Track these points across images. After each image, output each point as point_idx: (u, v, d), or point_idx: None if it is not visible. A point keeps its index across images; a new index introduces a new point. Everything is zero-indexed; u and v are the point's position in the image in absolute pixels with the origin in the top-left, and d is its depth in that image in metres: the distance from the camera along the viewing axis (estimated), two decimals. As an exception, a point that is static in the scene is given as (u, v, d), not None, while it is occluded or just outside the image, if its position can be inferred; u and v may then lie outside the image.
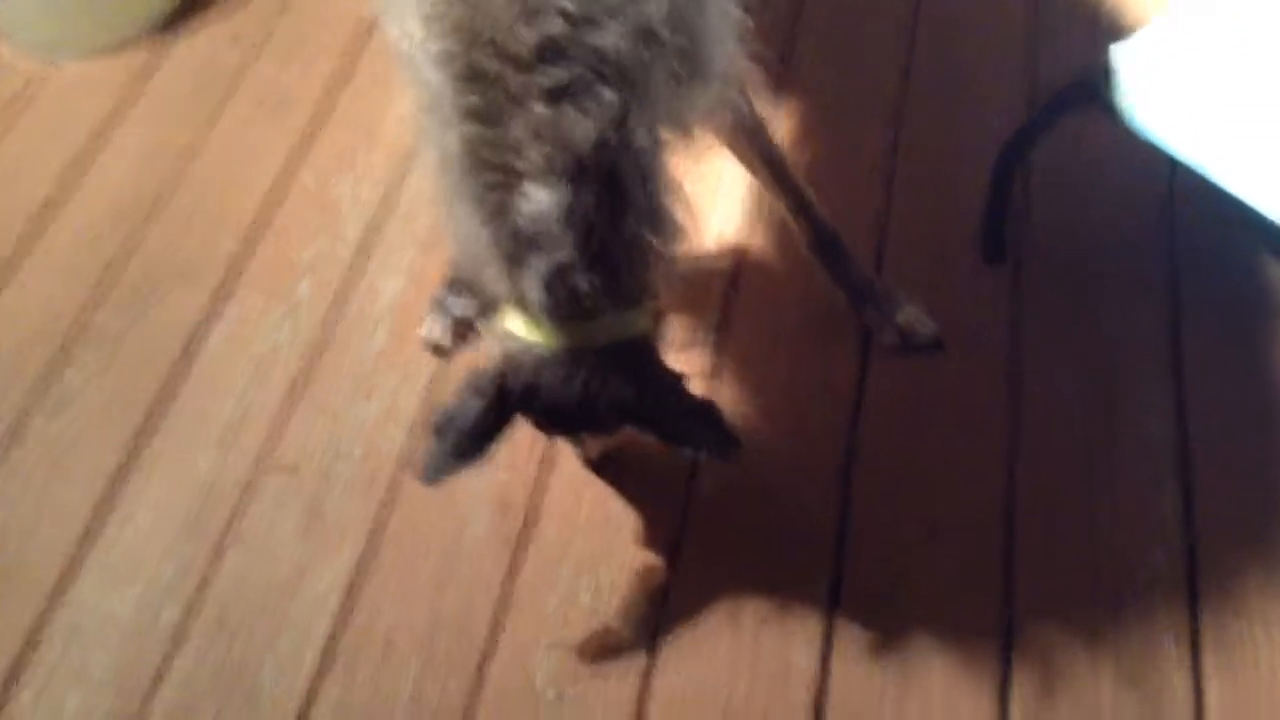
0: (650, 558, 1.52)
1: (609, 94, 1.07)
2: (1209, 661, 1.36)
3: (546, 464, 1.61)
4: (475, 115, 1.09)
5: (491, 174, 1.10)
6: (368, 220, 1.93)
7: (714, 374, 1.66)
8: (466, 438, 1.17)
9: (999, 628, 1.41)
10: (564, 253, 1.10)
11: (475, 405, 1.17)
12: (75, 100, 2.20)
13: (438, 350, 1.73)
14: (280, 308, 1.82)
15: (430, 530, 1.56)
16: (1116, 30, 1.91)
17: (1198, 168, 1.42)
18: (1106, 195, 1.77)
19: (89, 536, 1.61)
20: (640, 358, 1.22)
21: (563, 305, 1.13)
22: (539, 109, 1.06)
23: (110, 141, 2.13)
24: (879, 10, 2.10)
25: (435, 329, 1.74)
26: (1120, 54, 1.46)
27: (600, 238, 1.10)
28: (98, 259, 1.94)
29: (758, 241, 1.80)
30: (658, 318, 1.29)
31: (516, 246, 1.11)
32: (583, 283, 1.11)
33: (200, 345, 1.80)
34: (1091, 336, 1.65)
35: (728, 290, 1.75)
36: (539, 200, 1.07)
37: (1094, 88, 1.52)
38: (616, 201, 1.11)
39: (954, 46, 2.03)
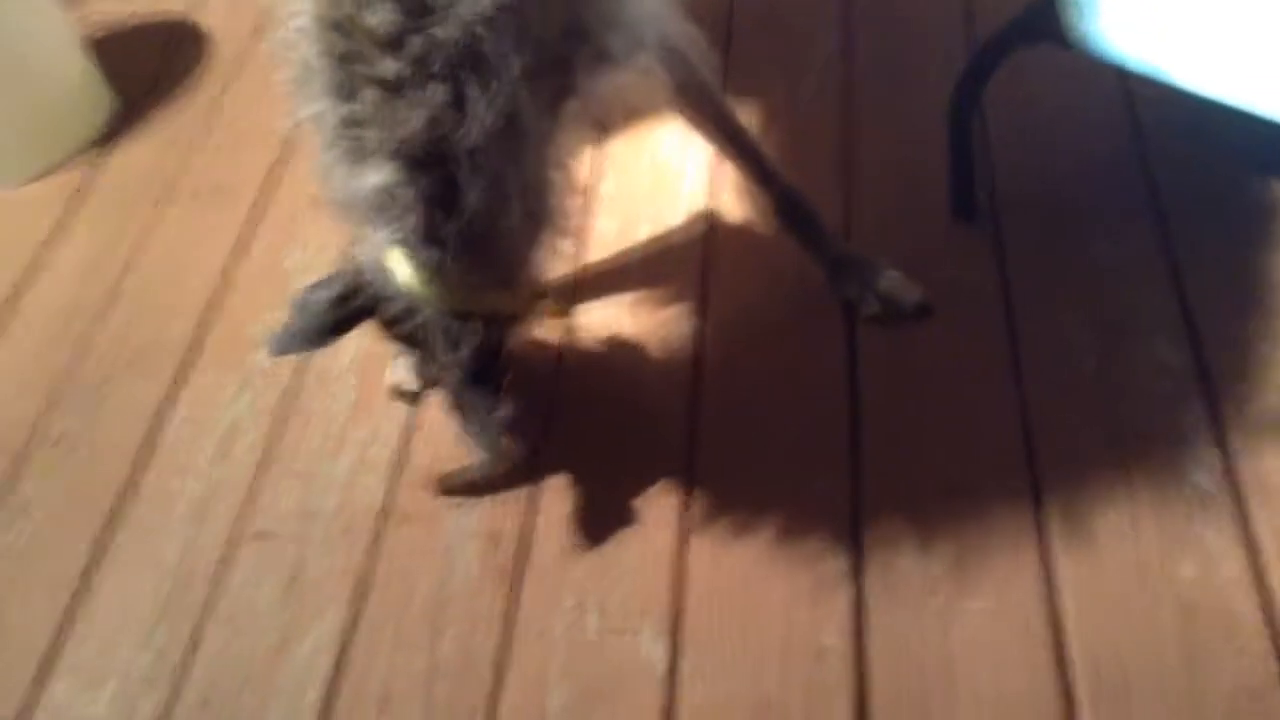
0: (656, 569, 1.40)
1: (440, 89, 1.11)
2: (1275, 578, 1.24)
3: (534, 487, 1.50)
4: (336, 90, 1.16)
5: (348, 144, 1.17)
6: (320, 284, 1.85)
7: (698, 363, 1.56)
8: (315, 321, 1.28)
9: (1039, 579, 1.29)
10: (404, 227, 1.18)
11: (328, 293, 1.27)
12: (9, 227, 2.15)
13: (405, 395, 1.64)
14: (237, 381, 1.74)
15: (418, 574, 1.45)
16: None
17: (1165, 78, 1.36)
18: (1069, 130, 1.73)
19: (56, 643, 1.49)
20: (483, 335, 1.27)
21: (418, 268, 1.22)
22: (377, 95, 1.13)
23: (52, 257, 2.07)
24: None
25: (401, 373, 1.65)
26: None
27: (443, 219, 1.17)
28: (47, 367, 1.86)
29: (728, 220, 1.73)
30: (530, 301, 1.35)
31: (368, 213, 1.21)
32: (423, 255, 1.20)
33: (158, 432, 1.71)
34: (1084, 272, 1.58)
35: (703, 274, 1.67)
36: (374, 178, 1.16)
37: (1042, 19, 1.48)
38: (455, 189, 1.16)
39: (891, 12, 2.01)
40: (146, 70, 2.39)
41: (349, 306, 1.28)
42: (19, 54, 2.14)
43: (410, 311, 1.26)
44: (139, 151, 2.23)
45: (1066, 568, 1.30)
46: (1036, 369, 1.48)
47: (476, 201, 1.17)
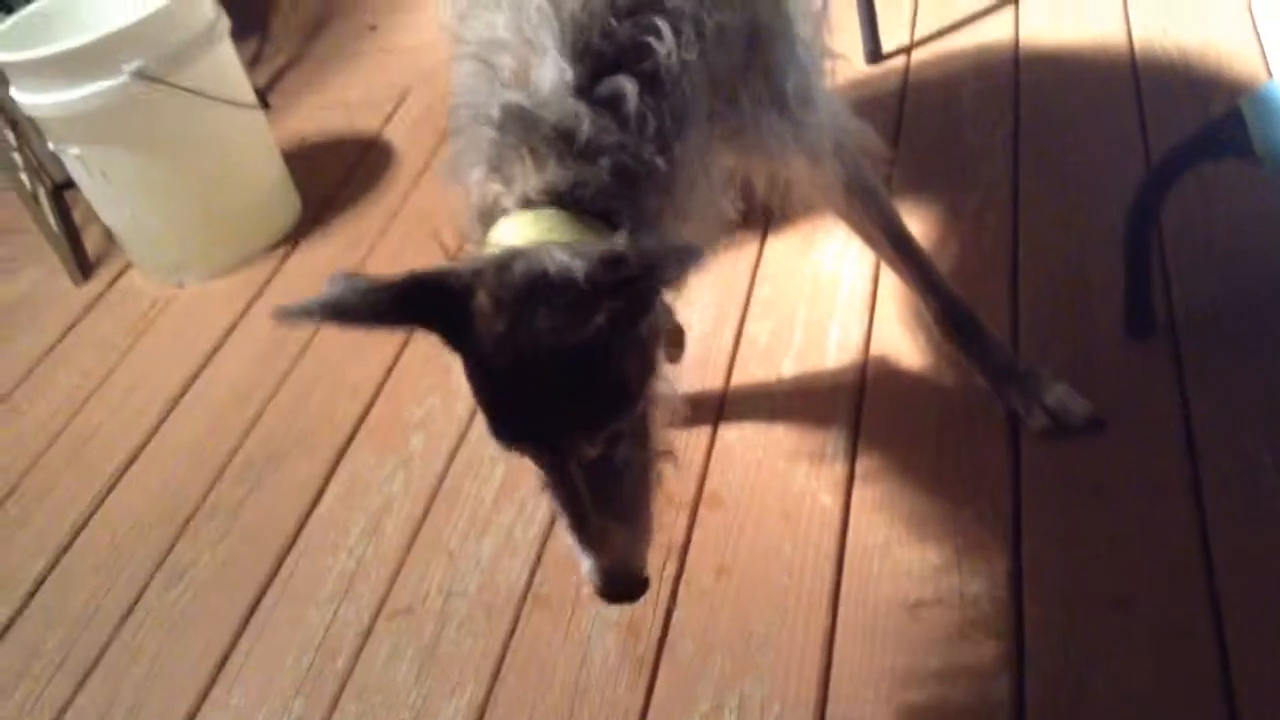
0: (799, 671, 1.34)
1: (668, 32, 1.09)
2: None
3: (677, 580, 1.47)
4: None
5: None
6: (479, 377, 1.90)
7: (852, 483, 1.52)
8: (349, 296, 1.01)
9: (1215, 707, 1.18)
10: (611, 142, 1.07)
11: (380, 280, 1.01)
12: (197, 314, 2.29)
13: (554, 484, 1.64)
14: (392, 461, 1.78)
15: (556, 660, 1.43)
16: (1216, 93, 1.85)
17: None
18: (1250, 246, 1.65)
19: (199, 704, 1.51)
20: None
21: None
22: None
23: (230, 343, 2.19)
24: (980, 95, 2.10)
25: (550, 461, 1.65)
26: (1256, 101, 1.39)
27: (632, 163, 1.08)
28: (217, 442, 1.95)
29: (884, 332, 1.71)
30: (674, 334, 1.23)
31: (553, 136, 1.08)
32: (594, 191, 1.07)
33: (314, 507, 1.75)
34: (1267, 391, 1.48)
35: (857, 388, 1.64)
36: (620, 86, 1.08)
37: (1227, 132, 1.44)
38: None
39: (1061, 120, 2.00)
40: (334, 181, 2.55)
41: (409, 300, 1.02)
42: (226, 162, 2.32)
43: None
44: (321, 252, 2.36)
45: (1247, 694, 1.18)
46: (1216, 487, 1.39)
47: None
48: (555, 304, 0.96)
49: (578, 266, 0.95)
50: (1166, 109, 1.93)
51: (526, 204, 1.08)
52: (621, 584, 1.10)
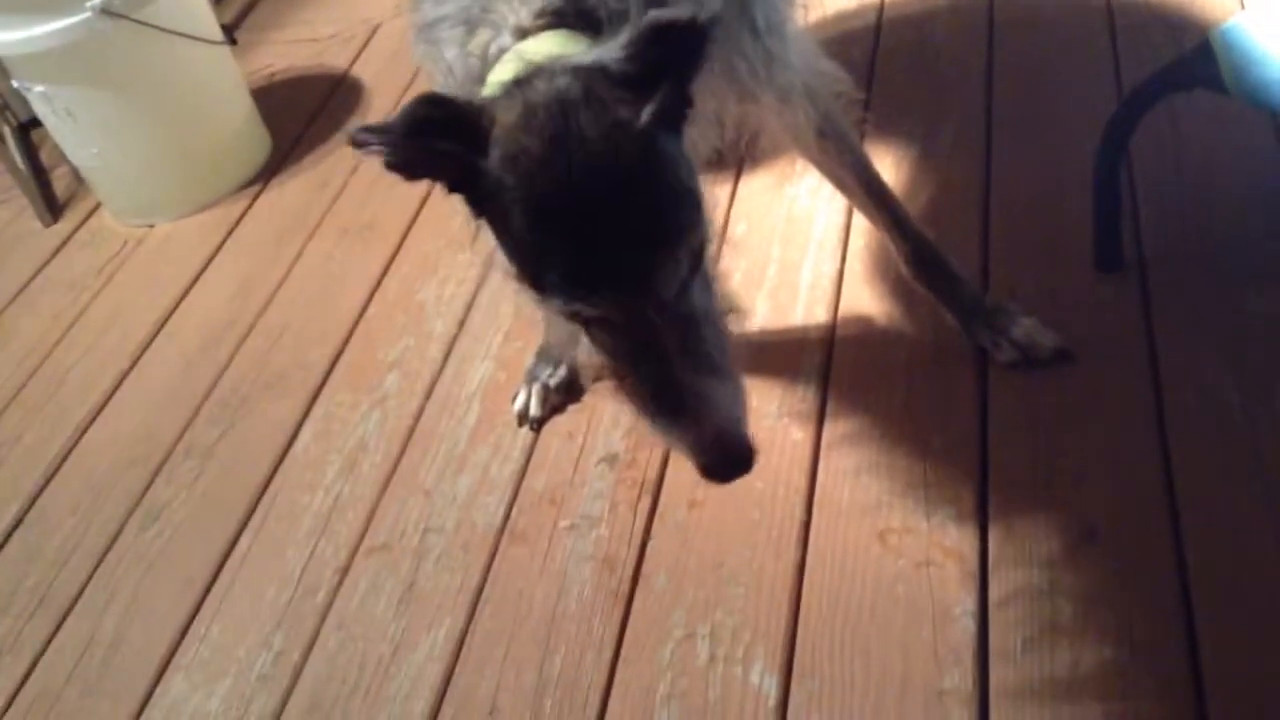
0: (770, 602, 1.36)
1: None
2: None
3: (650, 516, 1.49)
4: None
5: None
6: (453, 315, 1.91)
7: (823, 418, 1.54)
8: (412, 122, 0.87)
9: (1179, 634, 1.21)
10: None
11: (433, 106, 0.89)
12: (168, 254, 2.28)
13: (529, 421, 1.66)
14: (367, 401, 1.79)
15: (533, 593, 1.45)
16: (1190, 28, 1.86)
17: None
18: (1219, 179, 1.66)
19: (179, 641, 1.53)
20: None
21: None
22: None
23: (201, 284, 2.18)
24: (954, 33, 2.10)
25: (527, 399, 1.67)
26: (1225, 35, 1.39)
27: None
28: (192, 384, 1.94)
29: (854, 271, 1.72)
30: None
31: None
32: None
33: (290, 448, 1.76)
34: (1233, 325, 1.50)
35: (829, 326, 1.65)
36: None
37: (1198, 65, 1.44)
38: None
39: (1035, 56, 2.00)
40: (304, 118, 2.52)
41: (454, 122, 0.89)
42: (194, 99, 2.29)
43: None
44: (292, 191, 2.34)
45: (1208, 620, 1.21)
46: (1180, 420, 1.41)
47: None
48: (594, 108, 0.86)
49: (611, 58, 0.86)
50: (1140, 44, 1.93)
51: (524, 35, 0.99)
52: (734, 451, 0.94)
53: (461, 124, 0.89)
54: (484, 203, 0.93)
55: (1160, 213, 1.66)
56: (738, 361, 0.98)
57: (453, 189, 0.95)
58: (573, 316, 0.94)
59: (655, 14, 0.87)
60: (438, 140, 0.88)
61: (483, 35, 1.04)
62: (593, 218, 0.87)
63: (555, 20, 1.00)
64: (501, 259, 0.97)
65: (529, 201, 0.88)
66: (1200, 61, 1.44)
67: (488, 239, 0.99)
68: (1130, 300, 1.57)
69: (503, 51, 1.01)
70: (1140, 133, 1.56)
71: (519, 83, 0.91)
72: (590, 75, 0.89)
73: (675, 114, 0.93)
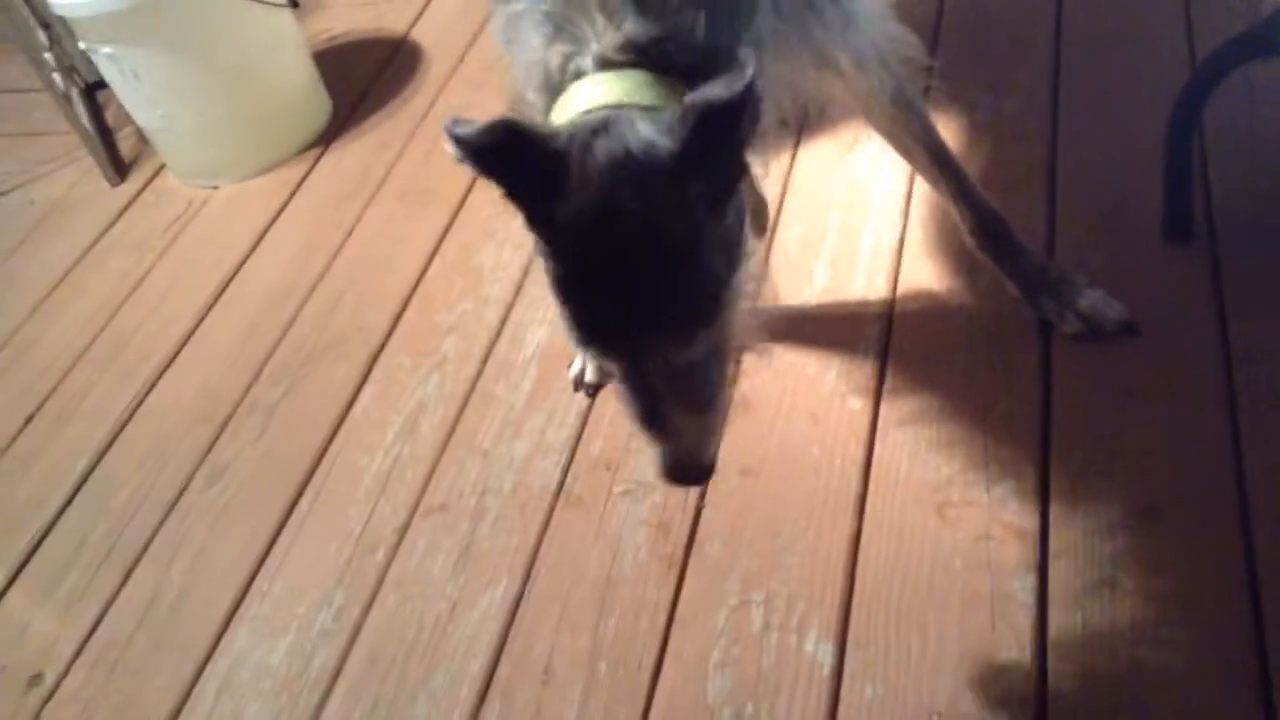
0: (825, 571, 1.36)
1: None
2: None
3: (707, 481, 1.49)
4: None
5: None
6: (510, 280, 1.92)
7: (881, 388, 1.53)
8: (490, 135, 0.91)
9: (1242, 611, 1.19)
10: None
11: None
12: (231, 215, 2.31)
13: (585, 387, 1.67)
14: (426, 365, 1.81)
15: (588, 557, 1.46)
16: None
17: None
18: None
19: (242, 596, 1.56)
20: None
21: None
22: None
23: (264, 246, 2.20)
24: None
25: (583, 365, 1.68)
26: None
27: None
28: (253, 344, 1.97)
29: (915, 240, 1.70)
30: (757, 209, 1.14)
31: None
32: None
33: (351, 409, 1.78)
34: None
35: (889, 294, 1.64)
36: None
37: (1272, 34, 1.41)
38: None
39: (1105, 22, 1.96)
40: (364, 81, 2.53)
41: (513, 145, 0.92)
42: (257, 62, 2.31)
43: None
44: (352, 154, 2.36)
45: (1275, 603, 1.19)
46: (1250, 397, 1.39)
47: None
48: (643, 182, 0.90)
49: (662, 141, 0.88)
50: (1215, 8, 1.88)
51: (605, 65, 1.00)
52: (690, 472, 1.08)
53: (538, 162, 0.91)
54: (539, 232, 0.96)
55: (1232, 184, 1.62)
56: (724, 394, 1.07)
57: (515, 204, 0.96)
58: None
59: (692, 99, 0.89)
60: (510, 169, 0.92)
61: (562, 47, 1.04)
62: (619, 297, 0.94)
63: (638, 57, 1.00)
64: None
65: (569, 261, 0.95)
66: (1278, 28, 1.40)
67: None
68: (1200, 273, 1.54)
69: (580, 74, 1.02)
70: (1214, 100, 1.52)
71: (595, 131, 0.92)
72: (649, 149, 0.90)
73: (725, 186, 0.96)
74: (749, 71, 0.87)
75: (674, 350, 0.97)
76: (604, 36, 1.01)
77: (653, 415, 1.02)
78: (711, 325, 0.98)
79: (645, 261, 0.92)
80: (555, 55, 1.04)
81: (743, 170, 0.98)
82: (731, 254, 0.99)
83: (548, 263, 0.97)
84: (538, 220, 0.95)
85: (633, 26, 1.00)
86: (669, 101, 0.96)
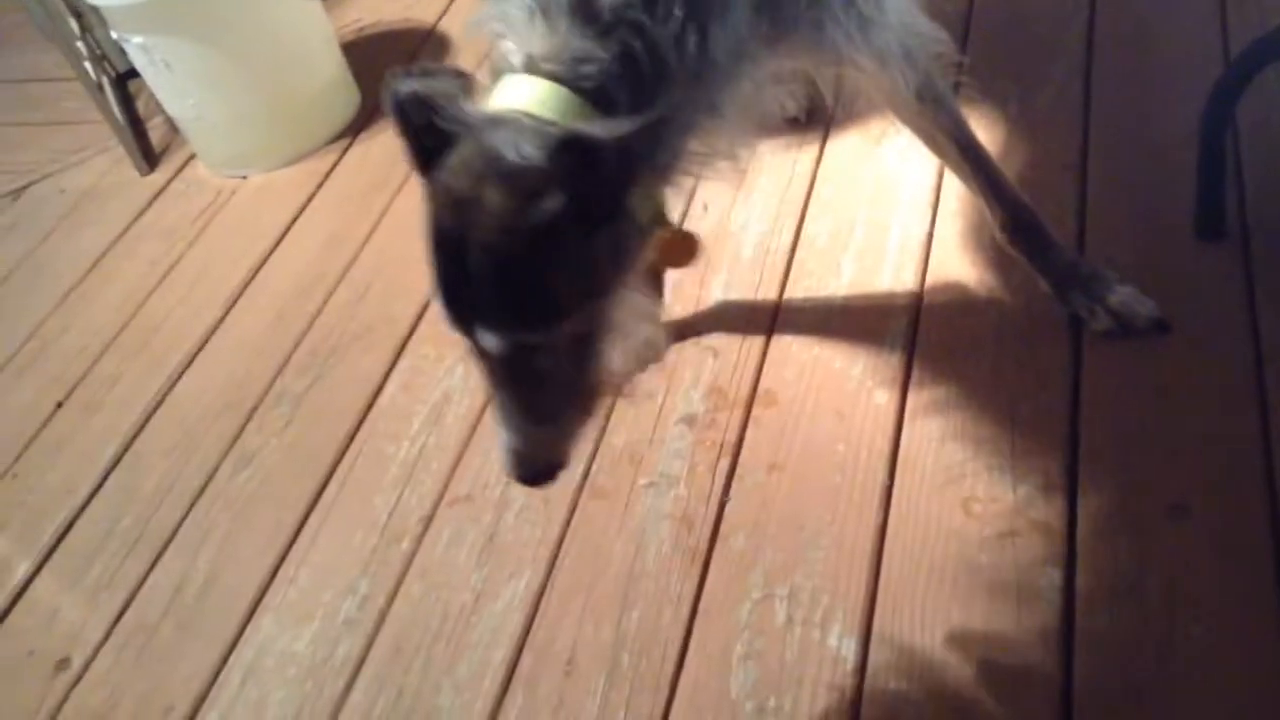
0: (850, 566, 1.36)
1: None
2: None
3: (730, 475, 1.49)
4: None
5: None
6: (537, 272, 1.91)
7: (908, 383, 1.52)
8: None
9: (1273, 644, 1.18)
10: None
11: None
12: (260, 205, 2.32)
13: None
14: (452, 355, 1.81)
15: (610, 550, 1.46)
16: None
17: None
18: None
19: (268, 581, 1.57)
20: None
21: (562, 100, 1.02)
22: None
23: (292, 236, 2.21)
24: None
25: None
26: None
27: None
28: (281, 333, 1.98)
29: (943, 234, 1.69)
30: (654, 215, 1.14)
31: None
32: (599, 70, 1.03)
33: (376, 398, 1.79)
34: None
35: (917, 289, 1.63)
36: None
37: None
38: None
39: (1137, 15, 1.94)
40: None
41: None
42: (287, 52, 2.32)
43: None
44: (380, 145, 2.37)
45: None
46: (1282, 395, 1.37)
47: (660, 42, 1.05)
48: (507, 186, 0.96)
49: (531, 151, 0.94)
50: (1249, 6, 1.86)
51: (530, 67, 1.04)
52: (523, 468, 1.12)
53: (438, 134, 0.99)
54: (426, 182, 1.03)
55: (1265, 181, 1.60)
56: (577, 418, 1.13)
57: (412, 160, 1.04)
58: None
59: (566, 128, 0.97)
60: (417, 132, 1.00)
61: (509, 43, 1.07)
62: (453, 272, 1.01)
63: (558, 70, 1.03)
64: None
65: (428, 225, 1.02)
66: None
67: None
68: (1232, 270, 1.52)
69: (511, 71, 1.06)
70: (1247, 97, 1.51)
71: (490, 124, 0.99)
72: (520, 155, 0.96)
73: (595, 215, 0.99)
74: (630, 126, 0.94)
75: (493, 344, 1.02)
76: (537, 43, 1.05)
77: (499, 406, 1.09)
78: (534, 333, 1.03)
79: (478, 252, 0.98)
80: (502, 48, 1.08)
81: (616, 209, 1.02)
82: (588, 281, 1.04)
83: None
84: (426, 177, 1.02)
85: (561, 41, 1.04)
86: (571, 120, 1.00)
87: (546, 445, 1.13)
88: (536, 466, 1.13)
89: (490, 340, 1.02)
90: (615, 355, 1.15)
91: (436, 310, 1.05)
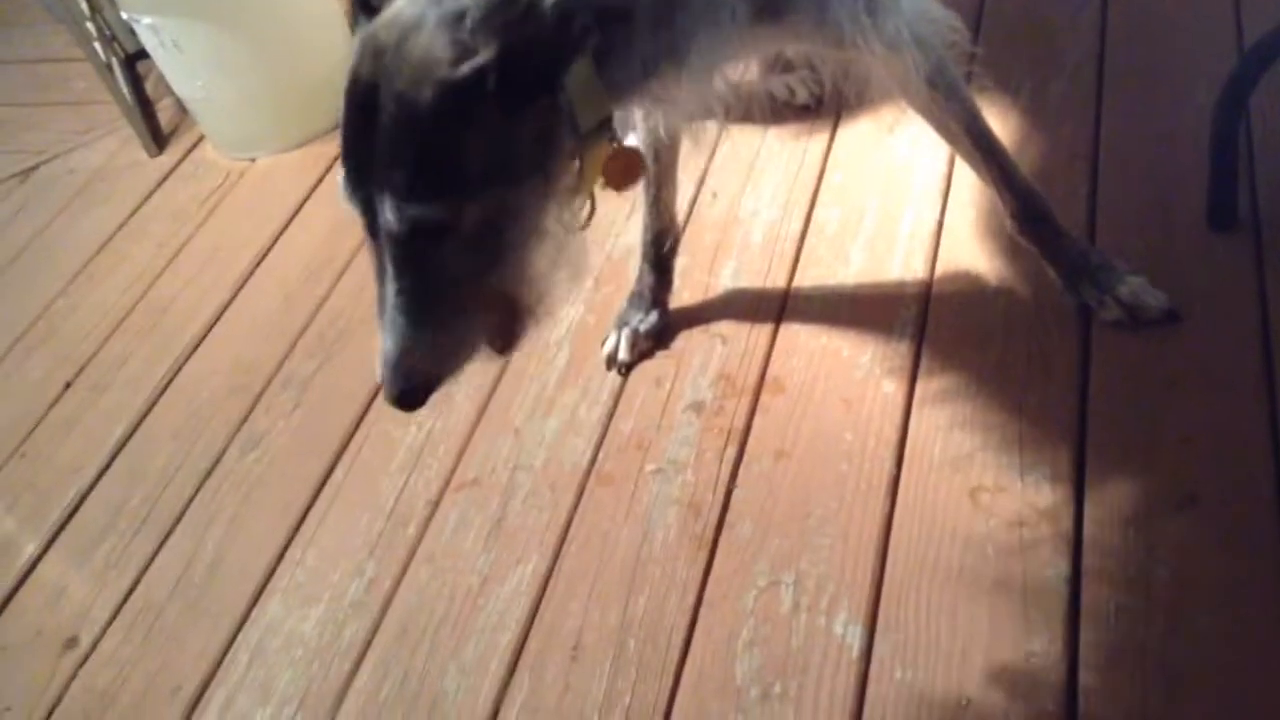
0: (856, 554, 1.36)
1: None
2: None
3: (738, 462, 1.49)
4: None
5: None
6: (545, 257, 1.91)
7: (916, 371, 1.52)
8: None
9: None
10: None
11: None
12: (268, 188, 2.32)
13: (618, 366, 1.67)
14: (461, 339, 1.80)
15: (618, 535, 1.46)
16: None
17: None
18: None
19: (275, 562, 1.58)
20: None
21: None
22: None
23: (301, 219, 2.22)
24: None
25: (616, 343, 1.68)
26: None
27: None
28: (289, 316, 1.98)
29: (954, 223, 1.69)
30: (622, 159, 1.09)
31: None
32: None
33: (384, 382, 1.78)
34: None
35: (926, 277, 1.62)
36: None
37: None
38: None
39: (1151, 6, 1.93)
40: (403, 55, 2.53)
41: None
42: (297, 34, 2.32)
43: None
44: (389, 129, 2.36)
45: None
46: (1294, 389, 1.36)
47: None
48: (436, 34, 0.93)
49: (457, 30, 0.92)
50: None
51: None
52: (399, 381, 1.03)
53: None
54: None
55: (1278, 172, 1.59)
56: (469, 332, 1.05)
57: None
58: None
59: None
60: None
61: None
62: (361, 132, 0.95)
63: None
64: None
65: (349, 89, 0.97)
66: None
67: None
68: (1243, 261, 1.52)
69: None
70: (1261, 87, 1.50)
71: None
72: (446, 23, 0.93)
73: (518, 87, 0.94)
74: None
75: (390, 219, 0.95)
76: None
77: (380, 297, 1.01)
78: (435, 206, 0.96)
79: (391, 105, 0.93)
80: None
81: (548, 84, 0.97)
82: (505, 161, 0.98)
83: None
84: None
85: None
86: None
87: (428, 354, 1.03)
88: (412, 378, 1.03)
89: (388, 213, 0.95)
90: (530, 268, 1.06)
91: (336, 184, 1.00)
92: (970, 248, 1.65)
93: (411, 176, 0.95)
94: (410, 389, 1.05)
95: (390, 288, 1.00)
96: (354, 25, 1.02)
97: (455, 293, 1.02)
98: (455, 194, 0.97)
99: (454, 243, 0.99)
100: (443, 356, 1.05)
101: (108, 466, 1.82)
